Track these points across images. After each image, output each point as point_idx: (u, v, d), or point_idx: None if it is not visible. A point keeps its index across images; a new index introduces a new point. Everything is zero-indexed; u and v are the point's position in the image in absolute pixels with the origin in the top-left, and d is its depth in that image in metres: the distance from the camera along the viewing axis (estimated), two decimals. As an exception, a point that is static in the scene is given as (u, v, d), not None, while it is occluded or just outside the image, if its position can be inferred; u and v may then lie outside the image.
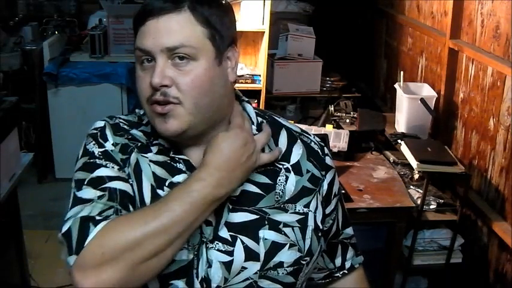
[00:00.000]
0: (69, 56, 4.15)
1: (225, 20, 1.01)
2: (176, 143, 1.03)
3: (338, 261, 1.20)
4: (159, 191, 0.99)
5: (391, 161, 2.72)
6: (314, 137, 1.13)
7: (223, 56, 1.00)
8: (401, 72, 3.01)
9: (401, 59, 3.63)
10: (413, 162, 2.45)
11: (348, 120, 3.22)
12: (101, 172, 0.99)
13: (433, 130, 2.95)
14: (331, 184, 1.11)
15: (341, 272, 1.20)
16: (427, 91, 2.94)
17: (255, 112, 1.09)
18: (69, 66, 4.05)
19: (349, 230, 1.21)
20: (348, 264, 1.21)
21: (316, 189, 1.07)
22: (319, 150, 1.11)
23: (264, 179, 1.03)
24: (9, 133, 2.37)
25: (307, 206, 1.05)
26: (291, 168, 1.06)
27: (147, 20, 0.96)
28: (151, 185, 1.00)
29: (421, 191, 2.41)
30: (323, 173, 1.09)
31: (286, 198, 1.04)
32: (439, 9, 3.07)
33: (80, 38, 4.38)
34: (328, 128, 2.83)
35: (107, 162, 1.00)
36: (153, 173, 1.01)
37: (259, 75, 3.48)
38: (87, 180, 1.00)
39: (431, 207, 2.44)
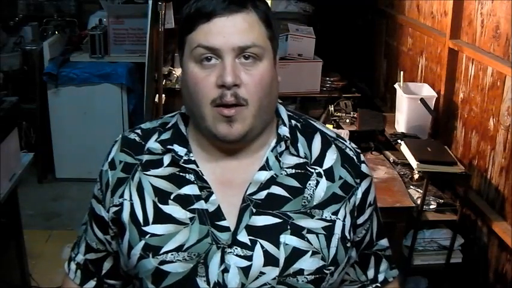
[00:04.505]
0: (69, 56, 4.16)
1: (275, 22, 1.01)
2: (209, 149, 1.02)
3: (371, 273, 1.15)
4: (163, 206, 1.00)
5: (391, 161, 2.72)
6: (350, 143, 1.10)
7: (276, 58, 1.01)
8: (401, 72, 3.01)
9: (401, 59, 3.63)
10: (413, 162, 2.45)
11: (348, 120, 3.22)
12: (93, 205, 1.10)
13: (433, 130, 2.95)
14: (366, 193, 1.07)
15: (374, 285, 1.15)
16: (427, 91, 2.94)
17: (288, 115, 1.07)
18: (69, 66, 4.06)
19: (384, 242, 1.17)
20: (381, 277, 1.16)
21: (346, 197, 1.03)
22: (354, 157, 1.07)
23: (293, 182, 1.01)
24: (9, 133, 2.37)
25: (335, 213, 1.01)
26: (323, 173, 1.03)
27: (213, 18, 0.93)
28: (153, 201, 1.00)
29: (421, 191, 2.41)
30: (357, 180, 1.06)
31: (314, 203, 1.00)
32: (439, 10, 3.06)
33: (80, 38, 4.38)
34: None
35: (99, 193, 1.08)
36: (156, 189, 1.01)
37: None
38: (89, 208, 1.12)
39: (431, 207, 2.44)
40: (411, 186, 2.52)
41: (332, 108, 3.32)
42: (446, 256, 2.49)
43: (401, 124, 2.91)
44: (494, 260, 2.45)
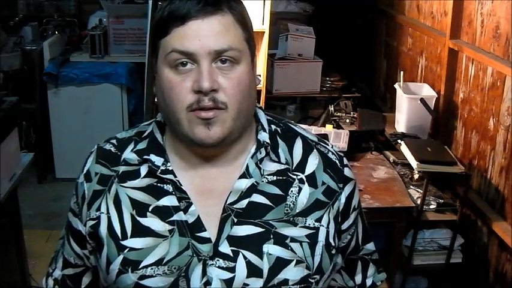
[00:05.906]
0: (69, 56, 4.16)
1: (251, 23, 0.97)
2: (187, 157, 0.99)
3: (358, 278, 1.13)
4: (141, 219, 0.96)
5: (391, 161, 2.72)
6: (332, 147, 1.07)
7: (254, 60, 0.98)
8: (401, 72, 3.01)
9: (401, 59, 3.63)
10: (413, 162, 2.45)
11: (348, 120, 3.22)
12: (69, 219, 1.07)
13: (433, 130, 2.95)
14: (349, 197, 1.04)
15: None
16: (427, 91, 2.94)
17: (268, 119, 1.03)
18: (69, 66, 4.06)
19: (370, 246, 1.15)
20: (369, 282, 1.14)
21: (329, 203, 1.00)
22: (337, 161, 1.04)
23: (275, 190, 0.97)
24: (9, 133, 2.37)
25: (318, 220, 0.98)
26: (305, 179, 0.99)
27: (187, 21, 0.89)
28: (131, 214, 0.97)
29: (421, 191, 2.41)
30: (340, 185, 1.02)
31: (297, 211, 0.97)
32: (439, 10, 3.07)
33: (80, 38, 4.38)
34: (328, 128, 2.83)
35: (76, 207, 1.05)
36: (134, 201, 0.98)
37: (259, 76, 3.48)
38: (66, 222, 1.09)
39: (431, 207, 2.44)
40: (411, 186, 2.52)
41: (332, 108, 3.32)
42: (446, 256, 2.49)
43: (401, 124, 2.91)
44: (494, 260, 2.45)
